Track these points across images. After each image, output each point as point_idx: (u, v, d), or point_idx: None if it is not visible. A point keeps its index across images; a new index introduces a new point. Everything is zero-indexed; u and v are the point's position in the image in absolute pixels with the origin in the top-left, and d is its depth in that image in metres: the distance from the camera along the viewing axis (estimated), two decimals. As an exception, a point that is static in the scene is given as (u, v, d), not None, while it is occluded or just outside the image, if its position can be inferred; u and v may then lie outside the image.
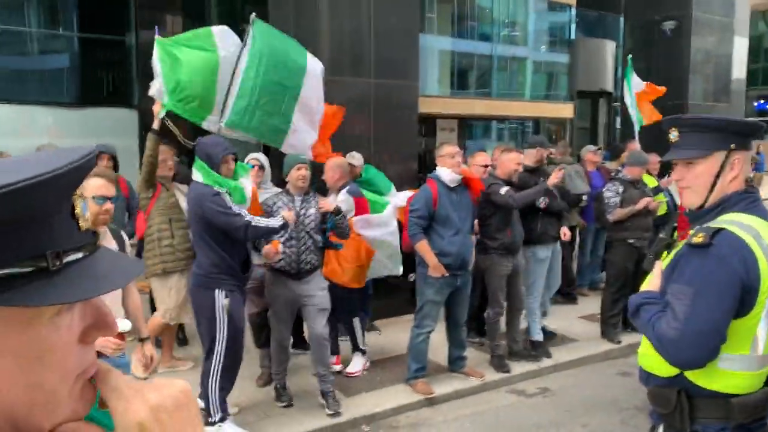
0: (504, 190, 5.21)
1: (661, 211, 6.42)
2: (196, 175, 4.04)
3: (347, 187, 5.19)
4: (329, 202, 4.68)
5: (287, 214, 4.14)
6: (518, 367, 5.52)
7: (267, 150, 5.72)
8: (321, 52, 6.53)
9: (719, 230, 1.82)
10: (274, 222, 4.07)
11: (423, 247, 4.81)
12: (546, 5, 17.43)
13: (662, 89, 8.41)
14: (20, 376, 0.61)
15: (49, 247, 0.61)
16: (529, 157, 5.76)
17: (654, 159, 6.69)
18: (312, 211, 4.52)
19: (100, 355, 2.92)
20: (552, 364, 5.70)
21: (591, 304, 7.19)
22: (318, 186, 5.24)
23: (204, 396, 4.10)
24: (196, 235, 4.18)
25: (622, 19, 13.36)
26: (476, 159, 5.79)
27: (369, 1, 6.62)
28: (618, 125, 14.29)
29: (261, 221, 4.03)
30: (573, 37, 17.37)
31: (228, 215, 3.92)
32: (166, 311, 4.95)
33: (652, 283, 2.04)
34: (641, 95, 8.26)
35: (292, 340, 5.05)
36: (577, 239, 7.77)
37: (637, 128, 8.16)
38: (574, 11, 17.53)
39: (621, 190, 6.04)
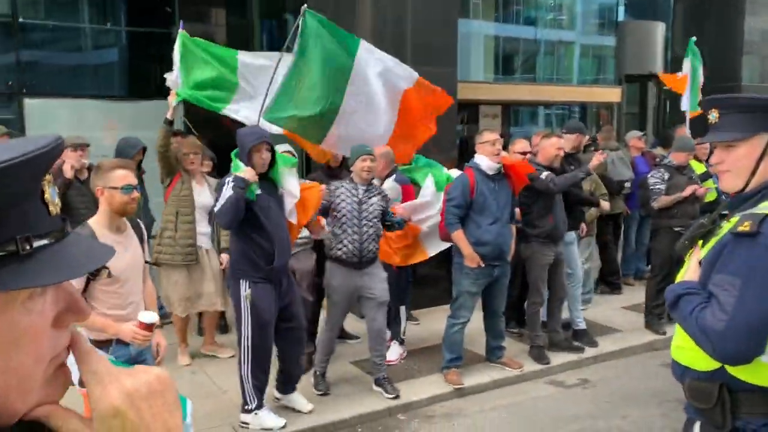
0: (545, 174, 5.12)
1: (710, 197, 6.18)
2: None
3: (394, 176, 5.22)
4: (404, 208, 4.93)
5: (243, 173, 3.85)
6: (558, 358, 5.43)
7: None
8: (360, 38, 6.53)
9: (766, 217, 1.72)
10: (226, 192, 3.80)
11: (459, 237, 4.77)
12: (593, -13, 16.96)
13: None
14: None
15: (20, 232, 0.62)
16: (569, 142, 5.67)
17: (702, 144, 6.45)
18: (374, 200, 4.57)
19: (125, 344, 3.02)
20: (593, 354, 5.59)
21: (636, 294, 7.01)
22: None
23: (240, 384, 4.18)
24: None
25: (672, 0, 12.88)
26: (516, 146, 5.71)
27: (407, -13, 6.56)
28: (668, 110, 13.82)
29: (220, 201, 3.86)
30: (621, 19, 16.87)
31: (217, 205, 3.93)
32: (171, 304, 5.10)
33: (689, 273, 1.94)
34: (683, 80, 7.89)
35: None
36: (622, 227, 7.58)
37: (688, 113, 7.86)
38: (622, -8, 17.00)
39: (666, 176, 5.85)
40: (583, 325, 5.84)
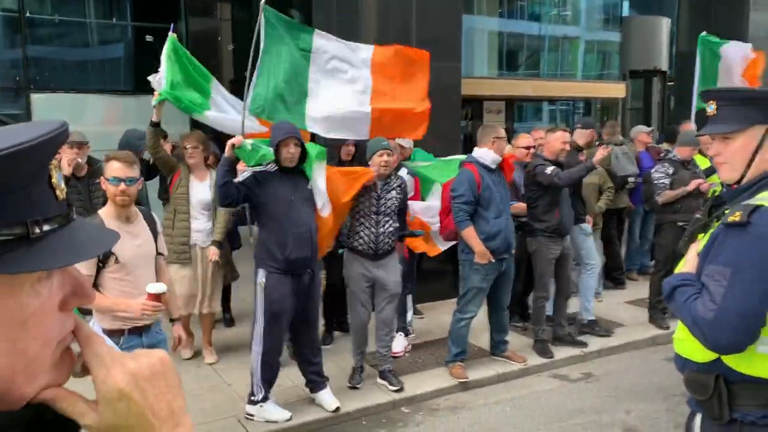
0: (550, 169, 5.13)
1: (716, 191, 6.19)
2: None
3: (405, 169, 5.26)
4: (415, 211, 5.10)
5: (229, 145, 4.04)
6: (562, 353, 5.46)
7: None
8: (365, 33, 6.54)
9: (757, 207, 1.74)
10: (220, 170, 4.03)
11: (470, 233, 4.76)
12: (598, -18, 16.92)
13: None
14: (4, 343, 0.64)
15: (29, 216, 0.63)
16: (583, 137, 5.76)
17: (705, 139, 6.44)
18: (393, 194, 4.62)
19: (140, 331, 3.05)
20: (597, 349, 5.61)
21: (640, 288, 7.02)
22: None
23: (250, 374, 4.22)
24: None
25: (677, -5, 12.84)
26: (519, 141, 5.72)
27: (412, -18, 6.57)
28: (672, 105, 13.79)
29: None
30: (625, 14, 16.83)
31: None
32: None
33: (687, 265, 1.96)
34: (752, 64, 7.64)
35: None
36: (626, 222, 7.58)
37: (695, 109, 7.83)
38: (627, -12, 16.95)
39: (671, 171, 5.86)
40: (592, 316, 5.93)
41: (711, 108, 1.97)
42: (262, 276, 4.12)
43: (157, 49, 4.95)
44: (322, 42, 4.85)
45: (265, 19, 4.65)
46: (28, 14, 9.41)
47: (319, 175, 4.30)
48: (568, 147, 5.35)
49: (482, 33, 15.44)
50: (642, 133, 7.66)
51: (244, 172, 4.14)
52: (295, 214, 4.08)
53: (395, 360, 5.21)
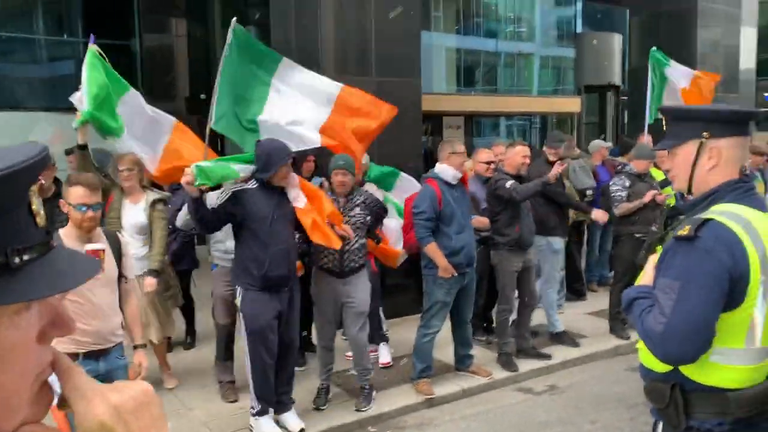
0: (509, 183, 5.18)
1: (670, 202, 6.33)
2: None
3: (370, 184, 5.26)
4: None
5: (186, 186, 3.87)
6: (526, 365, 5.47)
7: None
8: (323, 51, 6.53)
9: (705, 221, 1.78)
10: (190, 208, 3.94)
11: (432, 249, 4.76)
12: (552, 0, 17.35)
13: (716, 76, 8.26)
14: None
15: (9, 244, 0.60)
16: (558, 153, 6.08)
17: (662, 152, 6.61)
18: (357, 210, 4.56)
19: (97, 355, 2.93)
20: (560, 361, 5.64)
21: (600, 300, 7.11)
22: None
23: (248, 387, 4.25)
24: None
25: (627, 12, 13.24)
26: (479, 156, 5.75)
27: (370, -1, 6.60)
28: (626, 119, 14.16)
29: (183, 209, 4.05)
30: (579, 31, 17.28)
31: None
32: None
33: (645, 277, 2.01)
34: (693, 83, 7.99)
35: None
36: (585, 235, 7.71)
37: (648, 122, 8.05)
38: (579, 5, 17.43)
39: (628, 183, 5.97)
40: (561, 328, 6.03)
41: (665, 124, 2.06)
42: (239, 294, 4.09)
43: (112, 66, 4.77)
44: (288, 71, 4.76)
45: (234, 36, 4.58)
46: (-27, 30, 9.14)
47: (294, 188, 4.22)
48: (528, 161, 5.42)
49: (440, 49, 15.64)
50: (602, 148, 7.85)
51: (222, 191, 4.06)
52: (275, 231, 4.04)
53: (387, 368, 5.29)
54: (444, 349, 5.41)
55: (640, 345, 2.05)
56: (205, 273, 5.78)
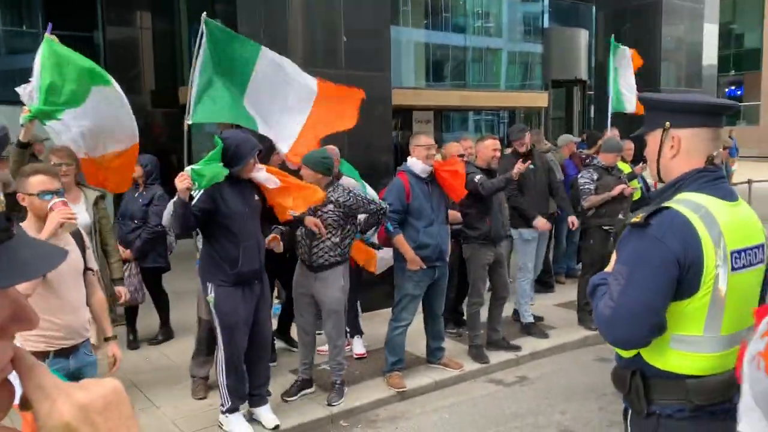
0: (477, 177, 5.21)
1: (636, 196, 6.45)
2: None
3: (343, 179, 5.19)
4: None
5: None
6: (496, 357, 5.51)
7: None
8: (292, 44, 6.46)
9: (659, 210, 1.81)
10: (170, 206, 3.87)
11: (400, 241, 4.78)
12: (519, -5, 17.48)
13: (639, 61, 8.57)
14: None
15: None
16: (525, 141, 6.09)
17: (628, 145, 6.73)
18: (330, 207, 4.47)
19: (67, 353, 2.87)
20: (530, 352, 5.70)
21: (567, 291, 7.22)
22: None
23: (219, 383, 4.17)
24: None
25: (594, 8, 13.42)
26: (449, 149, 5.77)
27: (339, -8, 6.55)
28: (592, 114, 14.36)
29: (167, 210, 3.92)
30: (546, 26, 17.43)
31: None
32: None
33: (610, 264, 2.04)
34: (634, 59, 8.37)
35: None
36: (552, 227, 7.79)
37: (610, 112, 8.20)
38: (546, 1, 17.59)
39: (596, 176, 6.05)
40: (531, 320, 6.12)
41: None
42: (210, 290, 4.02)
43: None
44: (268, 58, 4.77)
45: (207, 30, 4.49)
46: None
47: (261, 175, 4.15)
48: (498, 154, 5.46)
49: (409, 44, 15.63)
50: (570, 142, 7.95)
51: (196, 191, 3.93)
52: (246, 226, 4.00)
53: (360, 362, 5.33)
54: (416, 343, 5.42)
55: None
56: (190, 267, 5.65)
